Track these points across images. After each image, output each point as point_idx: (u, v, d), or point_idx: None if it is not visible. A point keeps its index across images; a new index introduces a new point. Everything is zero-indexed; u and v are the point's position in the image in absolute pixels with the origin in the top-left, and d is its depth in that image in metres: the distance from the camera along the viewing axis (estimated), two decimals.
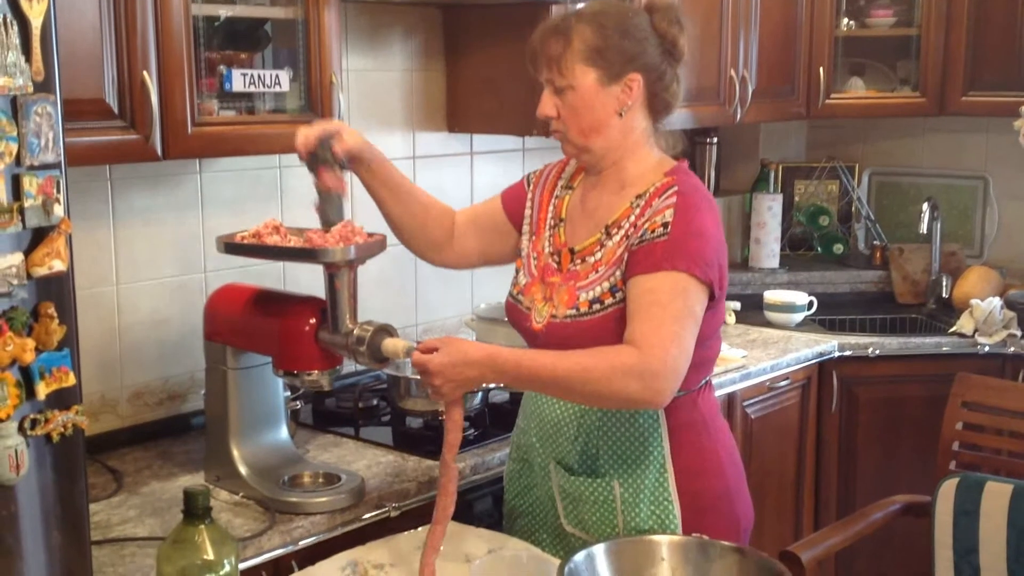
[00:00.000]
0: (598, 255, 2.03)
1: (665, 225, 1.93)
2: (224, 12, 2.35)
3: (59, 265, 1.58)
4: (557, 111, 2.02)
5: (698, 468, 2.07)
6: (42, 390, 1.58)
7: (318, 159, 2.03)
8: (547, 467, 2.13)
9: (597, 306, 1.99)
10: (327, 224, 2.06)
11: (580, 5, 2.10)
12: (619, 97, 2.00)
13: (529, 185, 2.23)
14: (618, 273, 1.98)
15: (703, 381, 2.10)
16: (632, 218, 2.00)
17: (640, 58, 1.99)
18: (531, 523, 2.18)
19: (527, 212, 2.20)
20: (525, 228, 2.19)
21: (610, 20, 1.99)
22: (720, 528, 2.05)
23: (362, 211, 2.43)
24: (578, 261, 2.05)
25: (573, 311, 2.01)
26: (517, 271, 2.18)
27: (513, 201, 2.23)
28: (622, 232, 2.00)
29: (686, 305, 1.91)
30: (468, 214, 2.30)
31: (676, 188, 1.98)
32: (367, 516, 2.20)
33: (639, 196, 2.02)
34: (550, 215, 2.15)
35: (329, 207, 2.06)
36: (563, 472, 2.09)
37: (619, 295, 1.97)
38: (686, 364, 1.89)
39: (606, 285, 1.99)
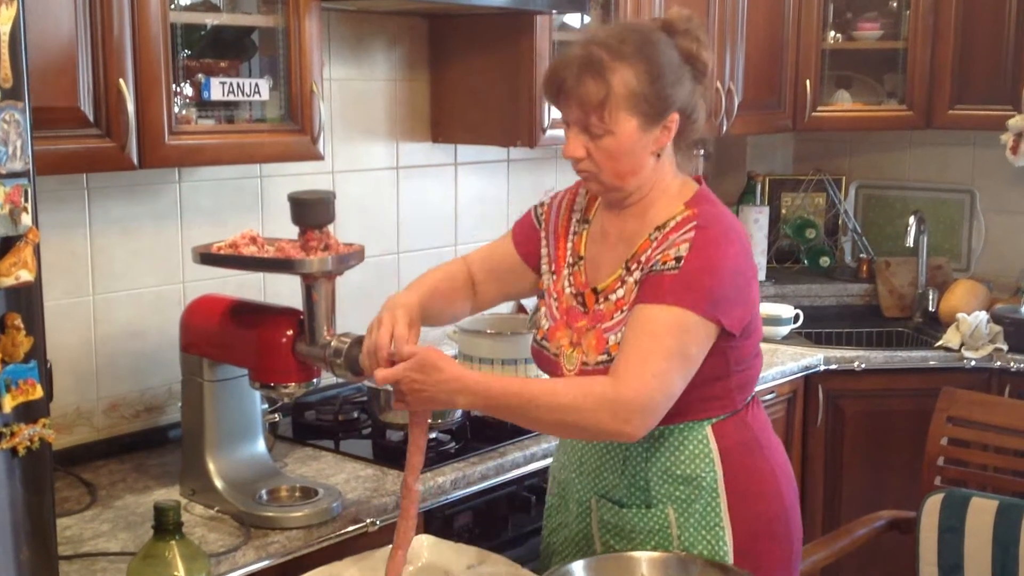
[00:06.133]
0: (620, 292, 1.95)
1: (678, 259, 1.85)
2: (206, 20, 2.33)
3: (26, 275, 1.55)
4: (587, 152, 1.90)
5: (756, 491, 1.99)
6: (8, 403, 1.55)
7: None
8: (587, 503, 2.05)
9: None
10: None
11: (587, 32, 2.02)
12: (658, 139, 1.91)
13: (540, 223, 2.13)
14: None
15: (748, 398, 2.04)
16: (649, 251, 1.92)
17: (680, 98, 1.90)
18: (566, 561, 2.05)
19: (544, 251, 2.10)
20: (544, 268, 2.10)
21: (647, 58, 1.86)
22: (774, 552, 2.01)
23: (344, 218, 2.41)
24: (602, 300, 1.97)
25: (604, 356, 1.92)
26: (539, 311, 2.10)
27: (526, 243, 2.13)
28: (639, 266, 1.93)
29: (680, 343, 1.82)
30: (484, 264, 2.18)
31: (696, 223, 1.89)
32: (345, 531, 2.16)
33: (659, 228, 1.93)
34: (568, 253, 2.06)
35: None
36: (610, 506, 2.01)
37: None
38: (666, 404, 1.82)
39: None
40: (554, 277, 2.08)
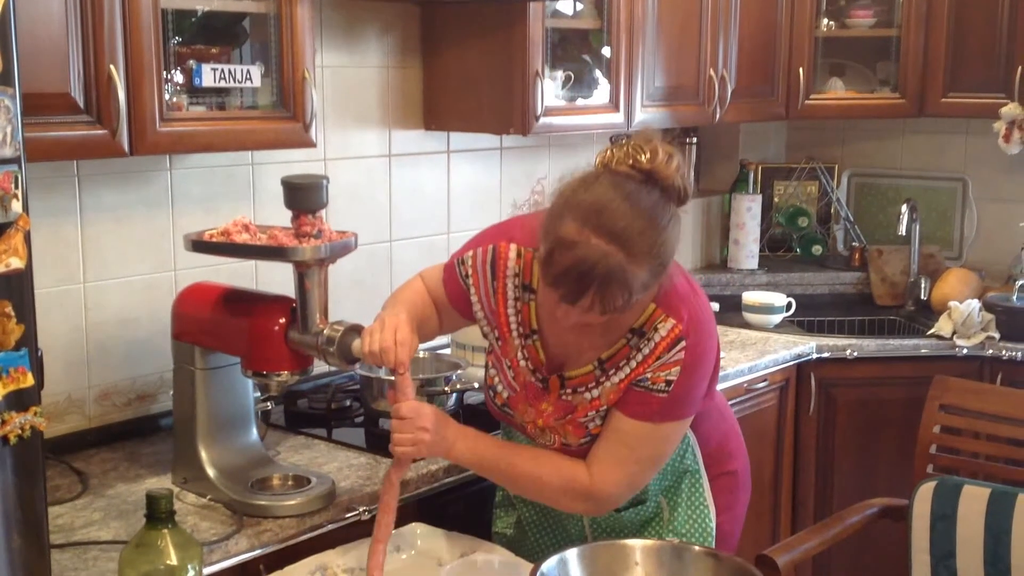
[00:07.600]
0: (595, 392, 1.96)
1: (668, 383, 1.90)
2: (197, 6, 2.31)
3: (16, 262, 1.54)
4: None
5: (726, 451, 2.18)
6: None
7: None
8: (578, 518, 2.14)
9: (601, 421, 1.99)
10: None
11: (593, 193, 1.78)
12: None
13: (470, 288, 2.06)
14: None
15: None
16: (633, 363, 1.92)
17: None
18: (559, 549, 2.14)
19: (480, 314, 2.07)
20: (486, 329, 2.08)
21: (657, 254, 1.76)
22: (740, 500, 2.21)
23: (337, 206, 2.39)
24: (570, 390, 1.99)
25: (587, 439, 1.99)
26: (493, 373, 2.10)
27: (458, 301, 2.09)
28: (622, 375, 1.94)
29: (656, 451, 1.97)
30: (434, 295, 2.13)
31: (685, 344, 1.89)
32: (338, 519, 2.16)
33: (635, 332, 1.92)
34: (515, 322, 2.02)
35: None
36: (606, 515, 2.08)
37: None
38: (633, 493, 2.02)
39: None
40: (500, 343, 2.06)
